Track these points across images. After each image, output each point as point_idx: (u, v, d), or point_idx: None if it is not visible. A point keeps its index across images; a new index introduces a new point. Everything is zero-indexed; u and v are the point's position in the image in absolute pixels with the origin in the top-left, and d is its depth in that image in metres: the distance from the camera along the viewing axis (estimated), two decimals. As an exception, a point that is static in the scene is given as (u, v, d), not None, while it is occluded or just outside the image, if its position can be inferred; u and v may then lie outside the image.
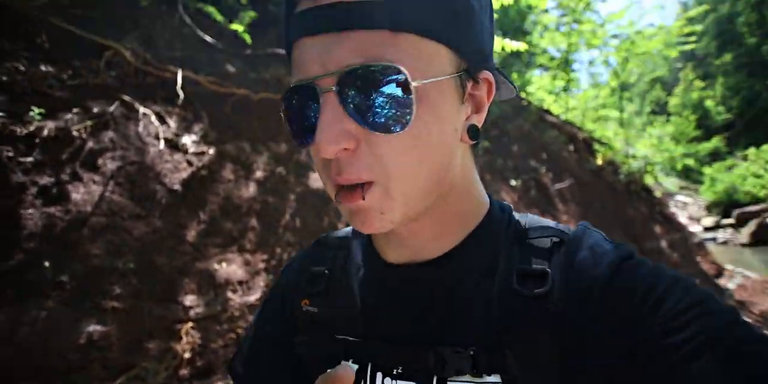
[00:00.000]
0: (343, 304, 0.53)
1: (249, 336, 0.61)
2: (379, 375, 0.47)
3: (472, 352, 0.43)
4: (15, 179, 2.24)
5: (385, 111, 0.38)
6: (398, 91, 0.38)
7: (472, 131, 0.45)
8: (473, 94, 0.46)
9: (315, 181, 3.59)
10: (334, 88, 0.38)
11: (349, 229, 0.62)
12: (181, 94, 3.28)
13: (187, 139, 3.12)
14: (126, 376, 1.90)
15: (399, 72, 0.37)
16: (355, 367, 0.48)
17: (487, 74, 0.46)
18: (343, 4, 0.37)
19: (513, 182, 6.50)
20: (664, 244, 7.49)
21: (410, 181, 0.41)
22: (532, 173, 7.02)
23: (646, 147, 10.26)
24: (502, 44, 4.60)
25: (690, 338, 0.36)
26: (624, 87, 11.64)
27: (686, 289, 0.40)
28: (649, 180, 9.37)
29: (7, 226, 2.07)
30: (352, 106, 0.39)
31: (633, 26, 9.94)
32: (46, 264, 2.05)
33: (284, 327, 0.57)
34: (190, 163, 3.01)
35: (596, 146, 9.00)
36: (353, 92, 0.38)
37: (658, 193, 9.48)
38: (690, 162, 10.37)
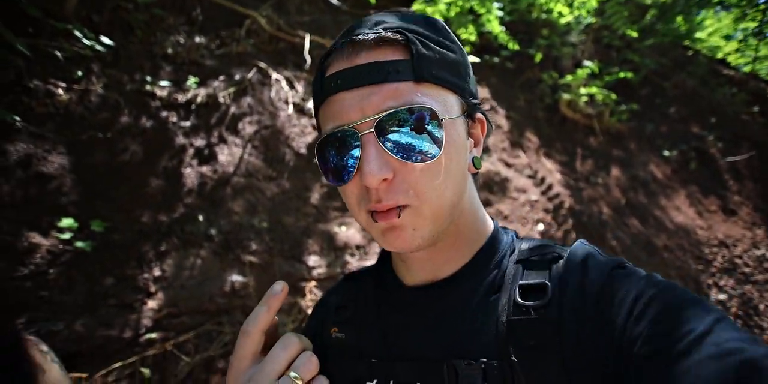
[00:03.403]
0: (367, 328, 0.59)
1: None
2: None
3: (482, 365, 0.47)
4: (177, 142, 2.57)
5: (419, 144, 0.46)
6: (431, 126, 0.47)
7: (475, 162, 0.55)
8: (472, 132, 0.55)
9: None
10: (373, 130, 0.47)
11: (370, 264, 0.71)
12: (309, 59, 3.36)
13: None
14: (261, 323, 2.14)
15: (430, 111, 0.46)
16: None
17: (480, 115, 0.56)
18: (376, 64, 0.47)
19: (666, 153, 5.43)
20: None
21: (438, 202, 0.49)
22: (693, 142, 5.75)
23: None
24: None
25: (678, 339, 0.38)
26: None
27: (673, 294, 0.43)
28: None
29: (172, 183, 2.41)
30: (389, 143, 0.47)
31: None
32: (200, 218, 2.35)
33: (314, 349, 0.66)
34: (314, 127, 3.12)
35: (795, 107, 6.92)
36: (390, 131, 0.46)
37: None
38: None
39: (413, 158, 0.46)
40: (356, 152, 0.47)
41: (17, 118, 2.05)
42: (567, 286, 0.47)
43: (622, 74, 5.22)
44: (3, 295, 1.41)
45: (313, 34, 3.47)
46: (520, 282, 0.50)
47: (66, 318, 1.26)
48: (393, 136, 0.46)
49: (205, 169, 2.56)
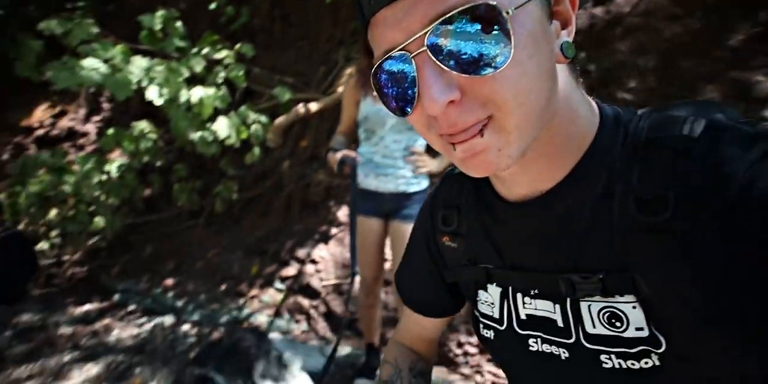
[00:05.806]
0: (477, 240, 0.58)
1: (407, 249, 0.73)
2: (519, 295, 0.53)
3: (600, 276, 0.44)
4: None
5: (484, 50, 0.37)
6: (493, 26, 0.37)
7: (565, 48, 0.43)
8: (557, 10, 0.43)
9: None
10: (425, 48, 0.38)
11: None
12: None
13: None
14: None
15: (487, 5, 0.36)
16: (499, 289, 0.55)
17: None
18: None
19: None
20: None
21: (522, 112, 0.40)
22: None
23: None
24: None
25: None
26: None
27: None
28: None
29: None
30: (448, 59, 0.38)
31: None
32: (582, 54, 2.41)
33: (430, 255, 0.67)
34: None
35: None
36: (446, 44, 0.38)
37: None
38: None
39: (480, 70, 0.37)
40: (412, 78, 0.40)
41: None
42: (694, 195, 0.39)
43: None
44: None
45: None
46: (636, 190, 0.43)
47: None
48: (450, 50, 0.37)
49: (598, 10, 2.52)
